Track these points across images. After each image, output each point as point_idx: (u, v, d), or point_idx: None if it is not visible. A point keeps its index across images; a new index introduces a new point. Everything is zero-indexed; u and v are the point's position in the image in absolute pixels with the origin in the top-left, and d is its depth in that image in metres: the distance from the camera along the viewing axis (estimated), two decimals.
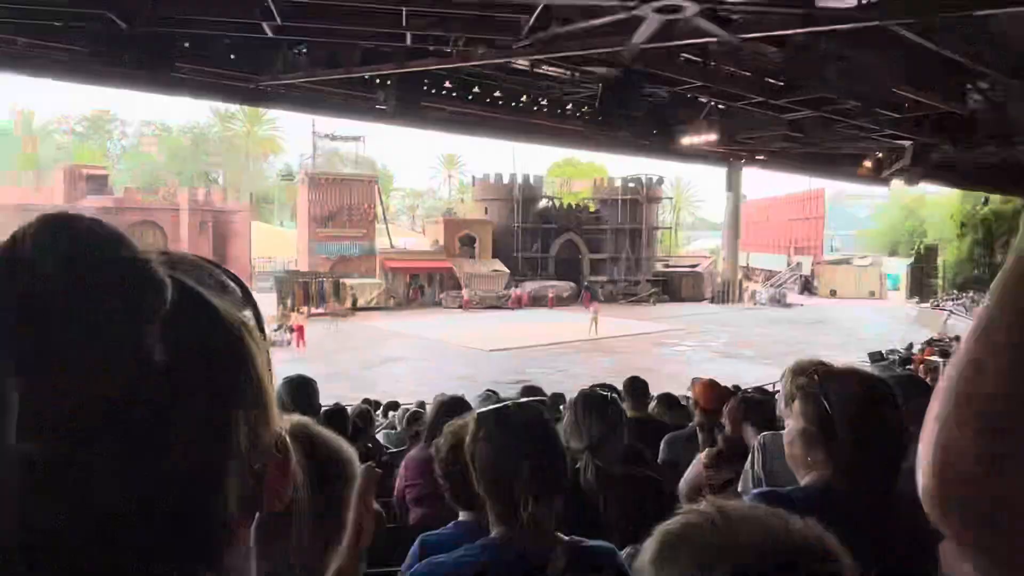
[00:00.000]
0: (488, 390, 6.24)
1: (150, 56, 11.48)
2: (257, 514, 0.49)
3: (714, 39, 9.79)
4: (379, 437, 5.64)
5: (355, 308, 33.77)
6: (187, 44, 12.98)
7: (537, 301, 38.39)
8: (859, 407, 1.46)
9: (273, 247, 53.98)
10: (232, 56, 14.11)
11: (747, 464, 2.58)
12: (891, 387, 1.54)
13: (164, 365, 0.40)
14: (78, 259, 0.39)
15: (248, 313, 0.50)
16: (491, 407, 1.55)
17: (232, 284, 0.50)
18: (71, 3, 10.79)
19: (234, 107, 56.12)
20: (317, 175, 40.88)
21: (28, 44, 14.02)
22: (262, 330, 0.51)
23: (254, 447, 0.46)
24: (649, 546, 0.72)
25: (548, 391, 8.82)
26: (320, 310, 32.24)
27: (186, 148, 67.11)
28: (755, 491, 1.52)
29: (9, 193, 39.65)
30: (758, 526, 0.68)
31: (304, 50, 14.29)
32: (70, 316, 0.38)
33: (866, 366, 12.93)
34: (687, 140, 19.03)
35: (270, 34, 11.71)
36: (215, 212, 39.14)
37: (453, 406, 3.09)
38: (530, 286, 39.63)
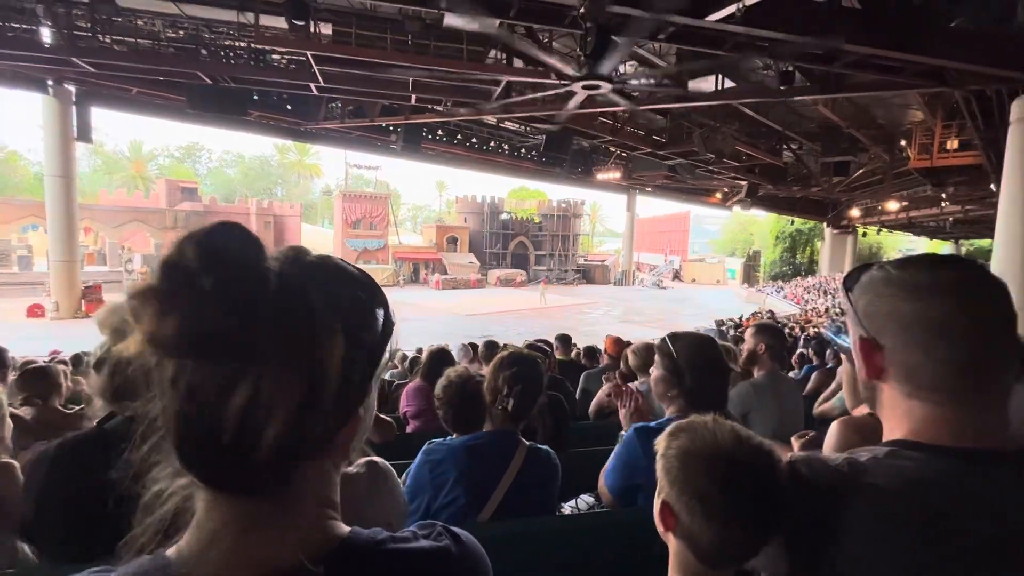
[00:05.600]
0: (469, 343, 6.19)
1: (229, 105, 11.00)
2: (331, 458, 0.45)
3: (621, 108, 9.83)
4: (386, 376, 5.57)
5: None
6: (256, 97, 12.48)
7: (506, 283, 38.32)
8: (695, 357, 1.45)
9: (317, 242, 52.33)
10: (288, 107, 13.64)
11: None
12: (717, 345, 1.52)
13: (252, 329, 0.39)
14: (230, 253, 0.40)
15: (376, 310, 0.46)
16: (506, 356, 1.50)
17: (357, 291, 0.45)
18: (172, 64, 10.22)
19: (289, 142, 53.95)
20: (348, 192, 39.82)
21: (139, 92, 13.31)
22: (386, 333, 0.46)
23: (304, 412, 0.40)
24: (666, 431, 0.76)
25: (502, 341, 8.85)
26: None
27: (255, 170, 64.48)
28: (632, 426, 1.46)
29: (126, 200, 37.81)
30: (730, 429, 0.73)
31: (339, 104, 13.89)
32: (214, 281, 0.38)
33: (712, 329, 13.29)
34: (601, 176, 19.16)
35: (315, 92, 11.34)
36: (275, 216, 37.78)
37: (439, 354, 3.07)
38: (498, 273, 39.54)
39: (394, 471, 1.12)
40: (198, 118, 13.22)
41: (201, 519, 0.42)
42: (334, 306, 0.42)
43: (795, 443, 1.58)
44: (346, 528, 0.46)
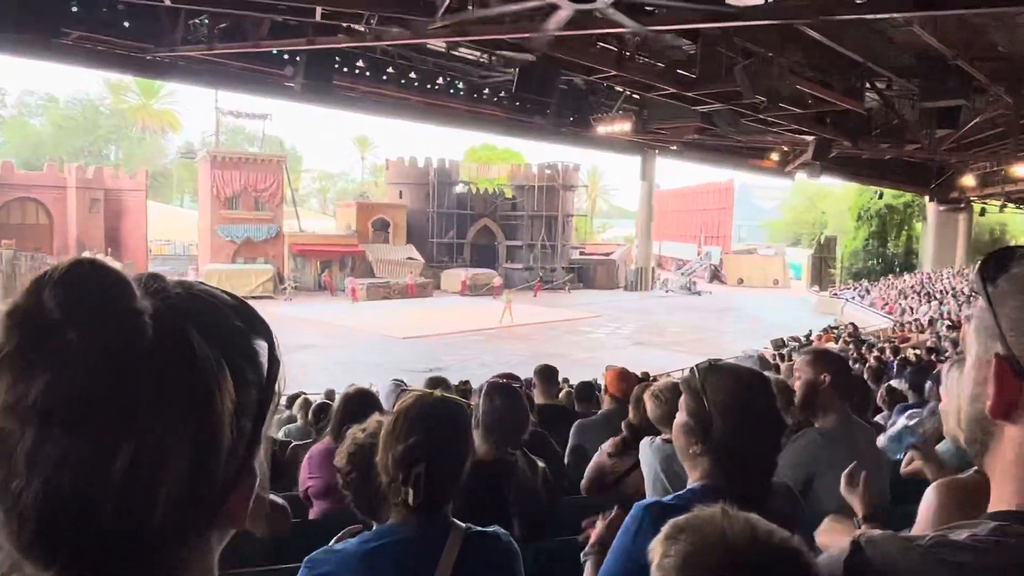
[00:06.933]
0: (400, 380, 6.17)
1: (32, 20, 10.68)
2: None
3: (626, 30, 9.98)
4: (280, 433, 5.50)
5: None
6: (75, 8, 12.18)
7: (476, 289, 38.39)
8: (733, 399, 1.48)
9: (172, 229, 51.40)
10: (126, 23, 13.35)
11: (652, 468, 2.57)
12: (768, 383, 1.56)
13: (126, 386, 0.45)
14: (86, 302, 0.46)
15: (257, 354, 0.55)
16: (403, 413, 1.51)
17: (236, 323, 0.54)
18: None
19: (128, 78, 52.77)
20: (220, 154, 39.28)
21: None
22: (272, 371, 0.56)
23: (195, 475, 0.48)
24: (663, 532, 0.83)
25: (462, 378, 8.83)
26: None
27: (74, 121, 62.93)
28: (638, 504, 1.51)
29: None
30: (744, 524, 0.78)
31: (205, 20, 13.68)
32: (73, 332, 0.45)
33: (754, 354, 13.53)
34: (603, 128, 19.38)
35: (168, 2, 11.14)
36: (107, 190, 36.74)
37: (359, 399, 3.04)
38: (464, 274, 39.71)
39: None
40: None
41: None
42: (217, 348, 0.51)
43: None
44: None
